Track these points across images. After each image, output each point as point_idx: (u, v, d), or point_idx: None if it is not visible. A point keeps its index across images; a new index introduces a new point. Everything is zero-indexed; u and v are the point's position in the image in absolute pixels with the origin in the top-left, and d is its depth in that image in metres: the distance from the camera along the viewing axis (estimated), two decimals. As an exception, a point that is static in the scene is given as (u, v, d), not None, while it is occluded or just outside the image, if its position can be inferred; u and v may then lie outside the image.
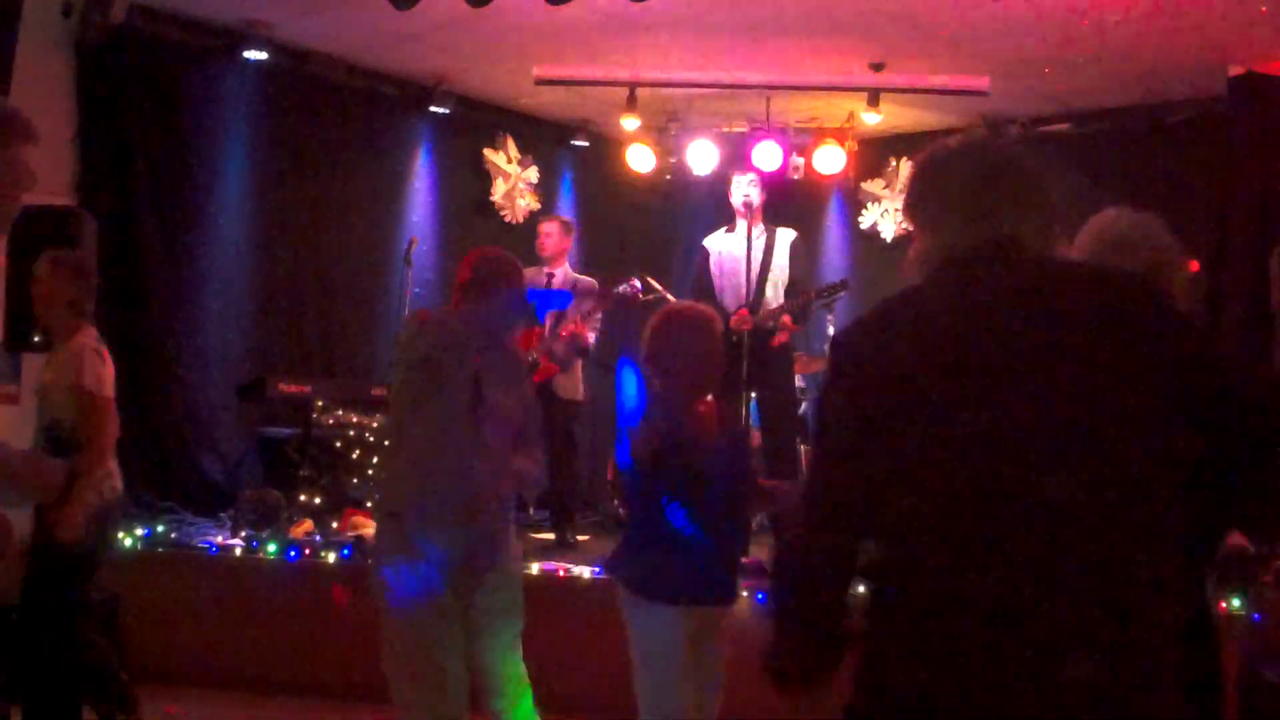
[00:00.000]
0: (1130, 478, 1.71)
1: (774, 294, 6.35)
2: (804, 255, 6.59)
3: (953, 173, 2.02)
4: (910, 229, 2.08)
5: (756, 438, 6.09)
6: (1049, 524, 1.69)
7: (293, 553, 5.80)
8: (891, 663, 1.76)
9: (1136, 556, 1.69)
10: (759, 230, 6.35)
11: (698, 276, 6.57)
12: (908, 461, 1.79)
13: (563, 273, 6.95)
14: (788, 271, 6.38)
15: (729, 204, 6.52)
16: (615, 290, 6.56)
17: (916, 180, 2.07)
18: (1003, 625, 1.67)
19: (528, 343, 6.31)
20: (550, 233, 6.99)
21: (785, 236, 6.46)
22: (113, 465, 4.30)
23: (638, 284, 6.57)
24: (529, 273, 7.05)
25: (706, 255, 6.54)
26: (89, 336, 4.31)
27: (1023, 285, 1.86)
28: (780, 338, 6.24)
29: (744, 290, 6.19)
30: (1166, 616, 1.70)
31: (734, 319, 6.11)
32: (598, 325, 6.73)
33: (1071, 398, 1.74)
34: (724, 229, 6.57)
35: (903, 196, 2.15)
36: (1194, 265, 7.14)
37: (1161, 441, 1.73)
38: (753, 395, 6.15)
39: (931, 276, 1.96)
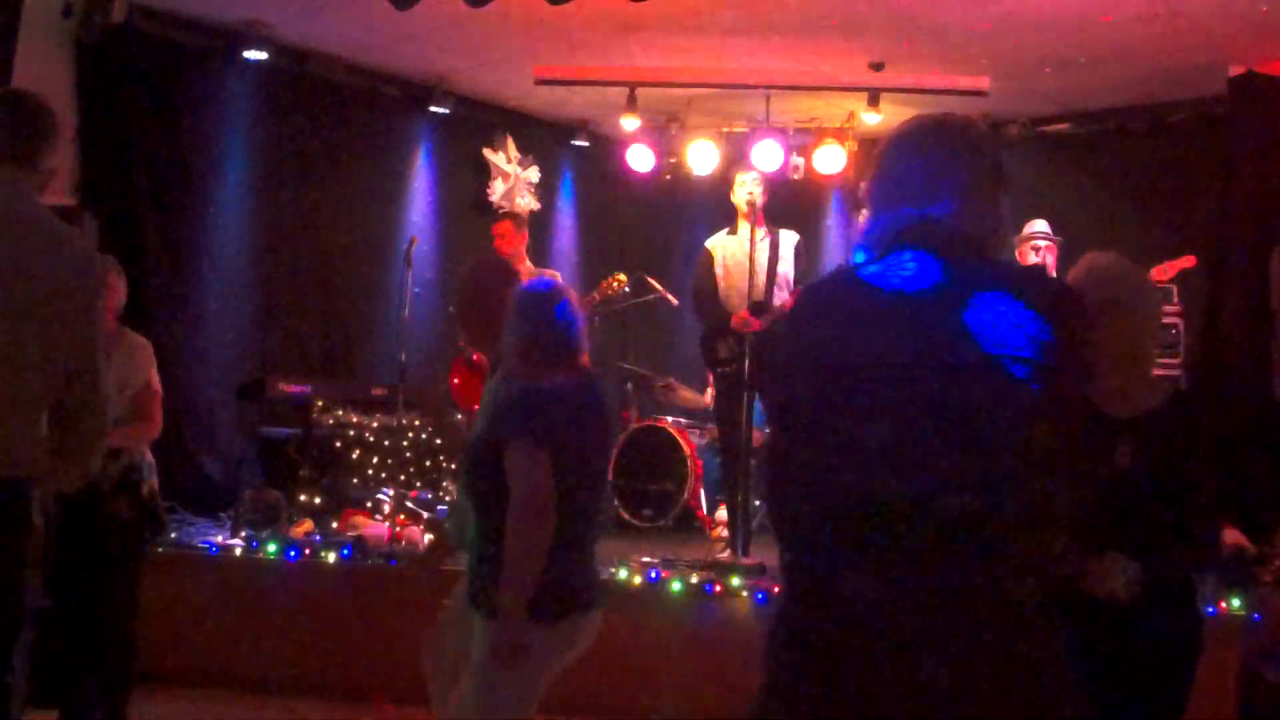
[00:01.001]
0: (999, 493, 1.71)
1: (779, 296, 6.34)
2: (807, 257, 6.58)
3: (900, 151, 1.99)
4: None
5: (759, 438, 6.09)
6: (923, 533, 1.71)
7: (293, 553, 5.79)
8: (776, 661, 1.82)
9: (995, 569, 1.71)
10: (762, 232, 6.33)
11: (700, 278, 6.55)
12: (800, 465, 1.83)
13: (524, 269, 6.96)
14: (792, 274, 6.36)
15: (730, 204, 6.49)
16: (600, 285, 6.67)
17: (874, 159, 2.05)
18: (868, 627, 1.72)
19: None
20: (504, 234, 7.03)
21: (789, 239, 6.44)
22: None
23: (623, 278, 6.61)
24: None
25: (710, 258, 6.51)
26: (137, 336, 4.60)
27: (925, 285, 1.82)
28: None
29: (749, 292, 6.18)
30: (1024, 626, 1.73)
31: (735, 319, 6.11)
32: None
33: (944, 406, 1.73)
34: (726, 230, 6.54)
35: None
36: (1191, 260, 7.09)
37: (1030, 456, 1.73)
38: (756, 396, 6.15)
39: (852, 266, 1.96)
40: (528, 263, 7.05)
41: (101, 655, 4.25)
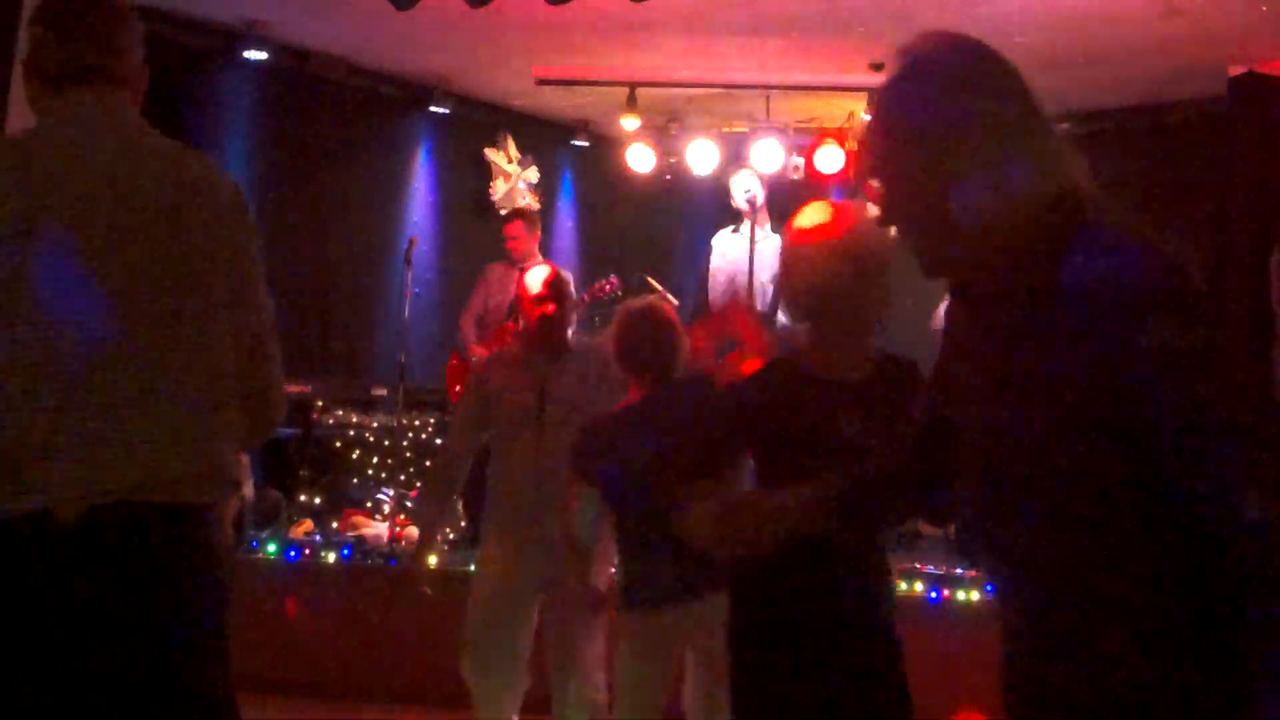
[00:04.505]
0: None
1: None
2: None
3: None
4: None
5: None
6: None
7: (293, 553, 5.79)
8: None
9: None
10: (763, 233, 6.31)
11: (701, 273, 6.63)
12: None
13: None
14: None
15: (731, 204, 6.51)
16: (592, 287, 6.59)
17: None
18: None
19: (500, 341, 6.28)
20: (517, 234, 6.81)
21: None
22: None
23: (615, 280, 6.56)
24: (498, 270, 6.95)
25: (710, 253, 6.58)
26: None
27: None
28: None
29: (750, 292, 6.19)
30: None
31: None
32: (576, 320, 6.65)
33: None
34: (730, 229, 6.55)
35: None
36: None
37: None
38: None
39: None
40: (541, 260, 7.01)
41: None
